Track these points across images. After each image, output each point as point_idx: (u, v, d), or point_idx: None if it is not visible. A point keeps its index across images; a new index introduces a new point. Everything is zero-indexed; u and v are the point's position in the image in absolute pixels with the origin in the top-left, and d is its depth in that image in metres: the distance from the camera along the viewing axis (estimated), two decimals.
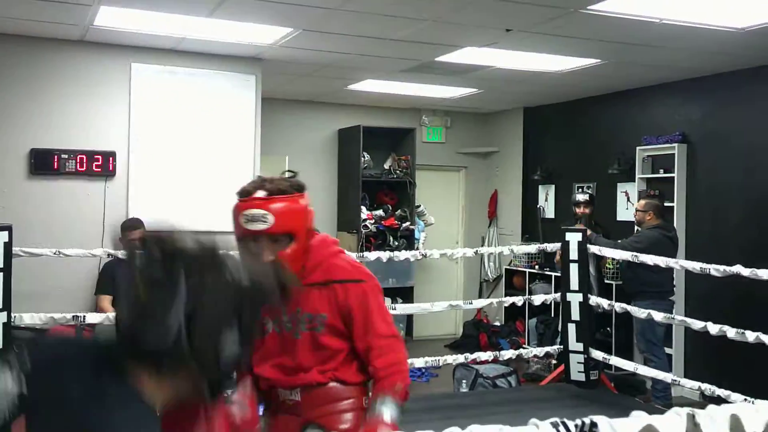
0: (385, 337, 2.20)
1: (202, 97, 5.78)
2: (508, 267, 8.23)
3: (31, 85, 5.28)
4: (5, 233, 4.31)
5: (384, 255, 5.16)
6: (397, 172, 8.16)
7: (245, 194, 2.13)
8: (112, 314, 4.85)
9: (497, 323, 8.27)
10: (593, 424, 1.28)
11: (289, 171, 2.26)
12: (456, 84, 6.93)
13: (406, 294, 7.90)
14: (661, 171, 6.55)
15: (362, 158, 7.93)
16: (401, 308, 5.73)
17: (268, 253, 2.10)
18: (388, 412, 2.09)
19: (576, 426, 1.28)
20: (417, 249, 7.64)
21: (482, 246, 8.62)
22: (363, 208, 7.97)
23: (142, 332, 1.05)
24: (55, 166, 5.33)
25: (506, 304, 7.27)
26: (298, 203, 2.14)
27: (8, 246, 4.31)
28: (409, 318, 8.15)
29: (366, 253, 5.37)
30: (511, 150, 8.61)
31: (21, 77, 5.25)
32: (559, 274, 6.05)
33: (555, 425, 1.29)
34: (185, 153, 5.71)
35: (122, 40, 5.33)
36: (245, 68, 5.87)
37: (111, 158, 5.45)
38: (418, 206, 8.23)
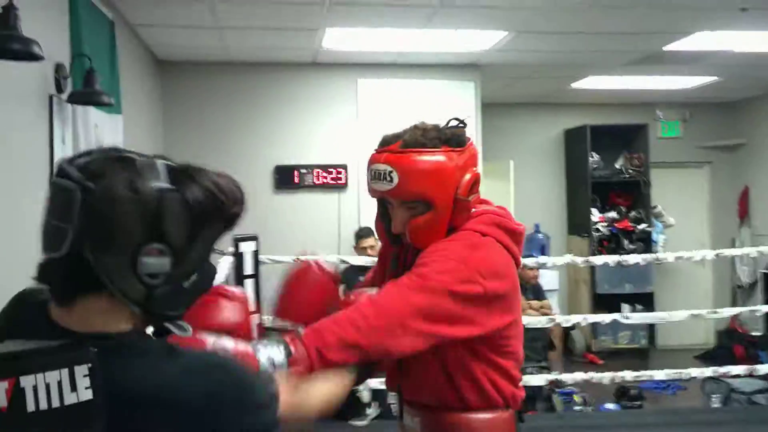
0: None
1: (423, 107, 5.93)
2: (764, 271, 7.39)
3: (272, 107, 5.82)
4: (253, 243, 4.78)
5: (611, 259, 4.89)
6: (630, 171, 7.72)
7: (382, 144, 1.70)
8: None
9: (755, 333, 7.45)
10: None
11: (456, 119, 1.74)
12: (692, 73, 6.39)
13: (645, 300, 7.41)
14: None
15: (591, 158, 7.62)
16: (636, 317, 5.34)
17: (398, 221, 1.67)
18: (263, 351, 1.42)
19: None
20: (656, 252, 7.14)
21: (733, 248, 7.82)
22: (594, 211, 7.65)
23: (42, 244, 1.01)
24: (296, 181, 5.81)
25: (760, 313, 6.51)
26: (440, 161, 1.61)
27: (256, 254, 4.78)
28: (651, 326, 7.64)
29: (592, 258, 5.14)
30: (763, 141, 7.73)
31: (263, 101, 5.81)
32: None
33: None
34: None
35: (348, 59, 5.67)
36: (464, 75, 5.95)
37: (343, 171, 5.82)
38: (655, 207, 7.70)
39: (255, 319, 1.60)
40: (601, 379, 4.82)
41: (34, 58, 2.14)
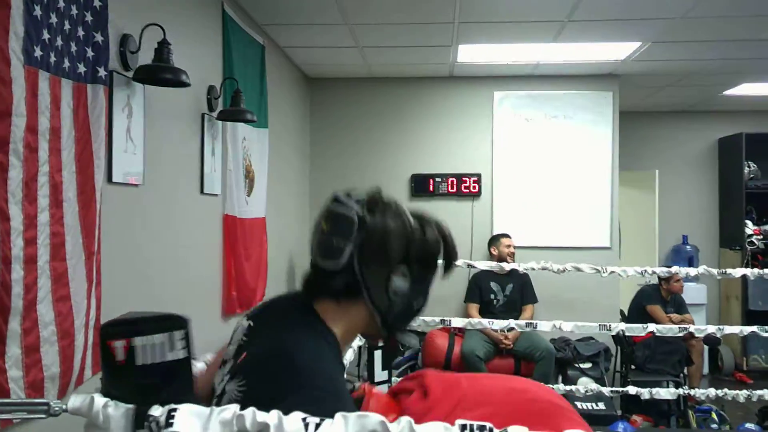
0: None
1: (559, 118, 6.01)
2: None
3: (410, 119, 6.14)
4: None
5: (750, 272, 4.70)
6: None
7: None
8: (475, 320, 5.36)
9: None
10: None
11: None
12: None
13: None
14: None
15: (747, 168, 7.26)
16: None
17: None
18: None
19: None
20: None
21: None
22: (749, 223, 7.28)
23: (320, 255, 1.34)
24: (431, 189, 6.09)
25: None
26: None
27: None
28: None
29: (730, 270, 4.95)
30: None
31: (402, 113, 6.15)
32: None
33: None
34: (544, 171, 5.99)
35: (484, 72, 5.86)
36: (601, 85, 5.93)
37: (477, 180, 6.02)
38: None
39: None
40: (736, 396, 4.66)
41: (183, 84, 2.56)
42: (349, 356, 4.56)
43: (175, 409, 1.10)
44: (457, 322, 5.31)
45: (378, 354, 5.03)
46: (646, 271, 5.29)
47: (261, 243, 4.28)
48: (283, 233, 5.17)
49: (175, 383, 1.20)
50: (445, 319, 5.32)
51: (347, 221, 1.32)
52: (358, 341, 4.79)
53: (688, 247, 7.56)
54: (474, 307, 5.82)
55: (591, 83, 5.95)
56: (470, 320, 5.32)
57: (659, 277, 5.80)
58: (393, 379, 5.25)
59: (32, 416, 1.20)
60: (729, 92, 6.64)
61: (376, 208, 1.33)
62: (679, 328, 5.23)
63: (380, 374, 5.04)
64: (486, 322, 4.90)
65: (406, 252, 1.33)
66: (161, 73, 2.48)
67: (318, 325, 1.32)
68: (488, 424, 1.08)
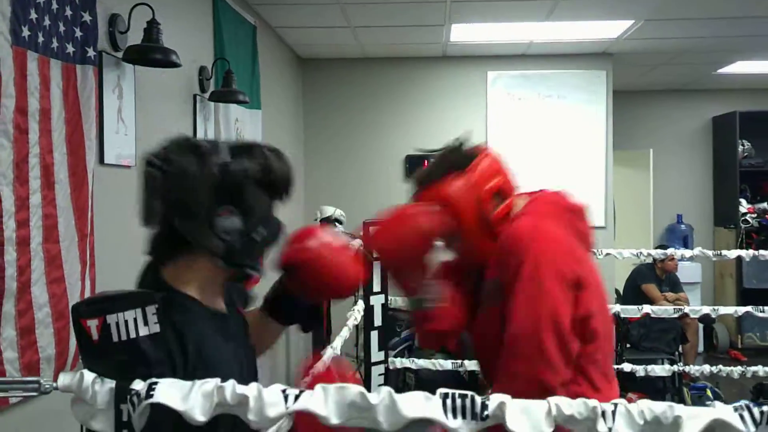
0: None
1: (552, 97, 6.00)
2: None
3: (404, 99, 6.12)
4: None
5: (746, 253, 4.71)
6: None
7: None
8: None
9: None
10: None
11: (459, 138, 1.86)
12: None
13: None
14: None
15: (741, 146, 7.27)
16: None
17: (450, 256, 1.87)
18: None
19: (762, 413, 1.24)
20: None
21: None
22: (743, 201, 7.30)
23: (142, 221, 1.32)
24: None
25: None
26: (446, 192, 1.72)
27: None
28: None
29: (725, 252, 4.96)
30: None
31: (396, 94, 6.12)
32: None
33: (738, 409, 1.27)
34: (537, 151, 5.98)
35: (477, 51, 5.83)
36: (595, 64, 5.91)
37: None
38: None
39: None
40: (731, 372, 4.68)
41: (173, 65, 2.54)
42: (344, 334, 4.57)
43: (156, 383, 1.11)
44: None
45: (375, 334, 5.05)
46: (641, 252, 5.32)
47: None
48: (278, 214, 5.16)
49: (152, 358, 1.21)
50: None
51: (150, 177, 1.29)
52: (353, 321, 4.80)
53: (682, 226, 7.58)
54: None
55: (584, 62, 5.93)
56: None
57: (654, 258, 5.82)
58: (390, 359, 5.27)
59: (23, 394, 1.21)
60: (722, 70, 6.63)
61: (174, 156, 1.28)
62: (674, 309, 5.25)
63: (377, 354, 5.06)
64: None
65: (218, 188, 1.28)
66: (151, 53, 2.46)
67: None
68: (470, 393, 1.09)
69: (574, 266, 1.61)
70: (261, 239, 1.37)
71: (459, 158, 1.73)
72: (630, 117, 7.34)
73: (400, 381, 5.42)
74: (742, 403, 1.22)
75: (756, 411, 1.22)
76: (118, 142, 2.48)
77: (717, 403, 1.24)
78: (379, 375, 4.98)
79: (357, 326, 5.17)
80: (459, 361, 5.29)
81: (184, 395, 1.13)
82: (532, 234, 1.62)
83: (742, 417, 1.18)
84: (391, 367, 5.26)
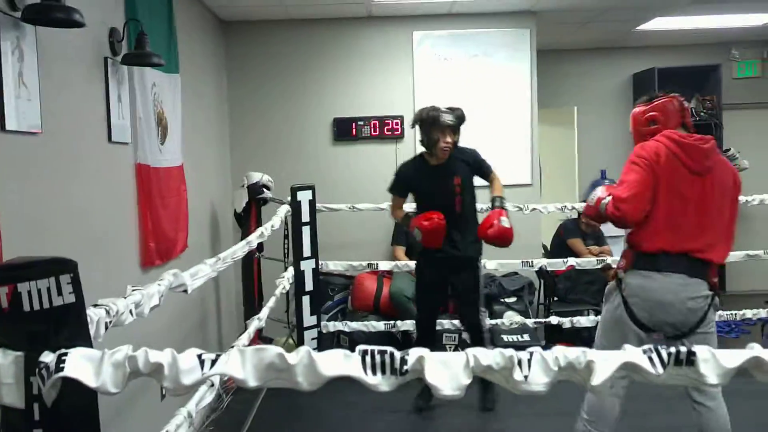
0: None
1: (479, 57, 6.01)
2: None
3: (330, 61, 6.02)
4: (309, 192, 5.06)
5: None
6: (702, 114, 7.52)
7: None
8: (402, 262, 5.40)
9: None
10: (691, 353, 1.26)
11: (664, 91, 3.35)
12: None
13: None
14: None
15: None
16: None
17: None
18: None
19: (669, 354, 1.27)
20: None
21: None
22: None
23: None
24: (353, 133, 6.03)
25: None
26: (633, 111, 3.40)
27: (312, 203, 5.06)
28: (721, 270, 7.50)
29: None
30: None
31: (321, 56, 6.02)
32: None
33: (646, 351, 1.30)
34: (465, 110, 5.98)
35: (402, 11, 5.77)
36: (519, 23, 5.94)
37: (399, 122, 5.99)
38: (728, 150, 7.47)
39: None
40: None
41: (77, 24, 2.40)
42: (271, 304, 4.53)
43: (65, 354, 1.06)
44: (384, 265, 5.37)
45: (306, 300, 5.03)
46: (566, 206, 5.45)
47: (179, 192, 4.16)
48: (204, 181, 5.05)
49: (66, 329, 1.15)
50: (372, 262, 5.37)
51: None
52: (282, 289, 4.77)
53: (606, 181, 7.78)
54: (401, 250, 5.87)
55: (508, 21, 5.95)
56: (397, 263, 5.38)
57: (578, 212, 5.96)
58: (322, 323, 5.27)
59: None
60: (642, 27, 6.76)
61: None
62: (597, 260, 5.46)
63: (309, 319, 5.05)
64: (412, 264, 4.95)
65: None
66: (51, 12, 2.32)
67: None
68: (389, 349, 1.08)
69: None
70: None
71: (651, 96, 3.30)
72: (554, 75, 7.44)
73: (334, 344, 5.43)
74: (651, 345, 1.25)
75: (664, 353, 1.25)
76: (21, 107, 2.35)
77: (627, 346, 1.27)
78: (312, 339, 4.98)
79: (287, 293, 5.15)
80: (392, 322, 5.34)
81: (95, 366, 1.08)
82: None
83: (651, 359, 1.22)
84: (324, 331, 5.27)
